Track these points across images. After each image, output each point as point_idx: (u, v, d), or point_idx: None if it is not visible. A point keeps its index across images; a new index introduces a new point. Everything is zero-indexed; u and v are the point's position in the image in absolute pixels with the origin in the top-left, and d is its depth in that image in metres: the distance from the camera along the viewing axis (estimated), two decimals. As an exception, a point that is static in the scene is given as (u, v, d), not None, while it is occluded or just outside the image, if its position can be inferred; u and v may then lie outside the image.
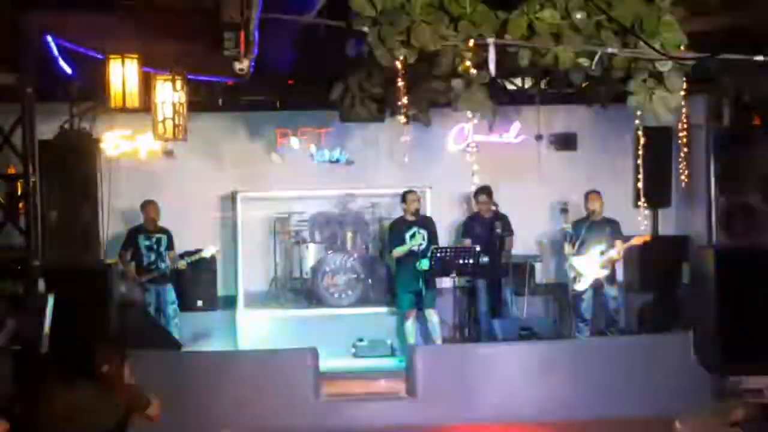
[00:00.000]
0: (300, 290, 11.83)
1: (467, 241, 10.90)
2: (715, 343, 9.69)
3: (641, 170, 10.05)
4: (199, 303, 11.54)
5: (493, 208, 10.93)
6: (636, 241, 10.61)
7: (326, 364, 9.16)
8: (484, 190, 10.86)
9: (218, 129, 11.90)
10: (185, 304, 11.23)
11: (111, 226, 10.41)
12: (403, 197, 10.83)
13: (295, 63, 10.12)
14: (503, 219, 10.92)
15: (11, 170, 8.78)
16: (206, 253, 10.94)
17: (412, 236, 10.64)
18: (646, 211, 10.57)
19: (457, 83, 8.75)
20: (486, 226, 10.83)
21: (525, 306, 11.36)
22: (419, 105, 10.11)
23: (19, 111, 7.90)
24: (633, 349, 9.29)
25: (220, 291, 11.76)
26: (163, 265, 10.74)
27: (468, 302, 10.95)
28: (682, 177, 9.90)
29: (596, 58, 8.11)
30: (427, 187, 11.67)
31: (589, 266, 10.49)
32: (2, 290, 7.76)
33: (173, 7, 7.11)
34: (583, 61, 8.21)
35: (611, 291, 10.62)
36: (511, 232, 10.98)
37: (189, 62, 8.19)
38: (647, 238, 10.75)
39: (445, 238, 11.43)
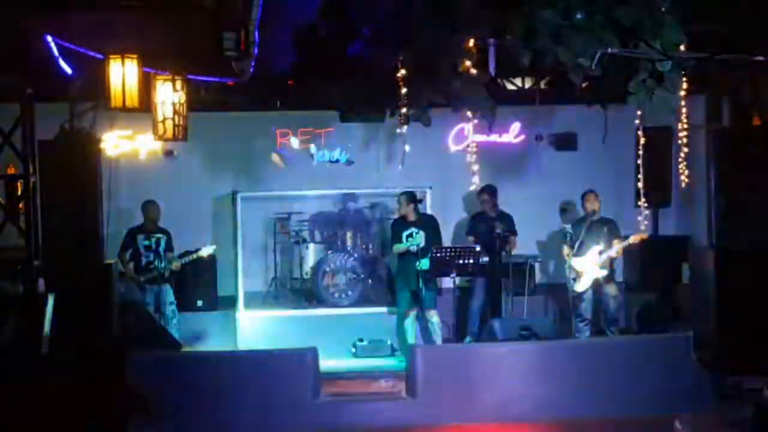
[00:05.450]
0: (300, 290, 11.83)
1: (470, 239, 10.91)
2: (715, 343, 9.70)
3: (641, 170, 10.05)
4: (199, 303, 11.54)
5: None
6: (634, 240, 10.60)
7: (326, 364, 9.15)
8: (487, 189, 10.86)
9: (218, 129, 11.89)
10: (185, 304, 11.23)
11: (111, 226, 10.42)
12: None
13: (295, 63, 10.11)
14: (505, 219, 10.92)
15: (11, 170, 8.79)
16: (204, 253, 10.93)
17: (410, 236, 10.64)
18: (646, 211, 10.57)
19: (457, 83, 8.74)
20: (490, 225, 10.85)
21: (525, 306, 11.36)
22: (419, 105, 10.11)
23: (19, 111, 7.91)
24: (633, 349, 9.28)
25: (220, 291, 11.75)
26: (161, 265, 10.73)
27: (467, 302, 10.95)
28: (682, 177, 9.91)
29: (596, 58, 8.10)
30: (427, 187, 11.67)
31: (589, 266, 10.49)
32: (2, 290, 7.77)
33: (173, 7, 7.12)
34: (583, 61, 8.20)
35: (611, 290, 10.61)
36: (513, 232, 10.98)
37: (189, 62, 8.20)
38: (645, 236, 10.74)
39: (445, 238, 11.43)
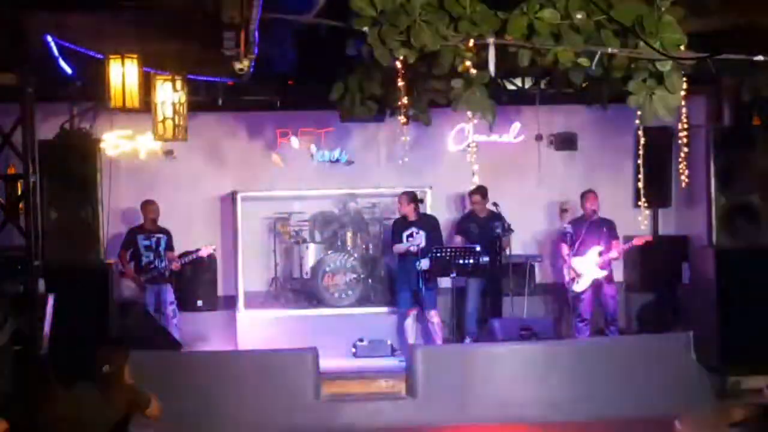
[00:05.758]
0: (300, 290, 11.82)
1: (458, 239, 10.93)
2: (715, 343, 9.70)
3: (641, 170, 10.04)
4: (199, 303, 11.54)
5: (492, 208, 10.92)
6: (637, 242, 10.61)
7: (326, 364, 9.15)
8: (478, 191, 10.85)
9: (218, 129, 11.90)
10: (185, 304, 11.23)
11: (111, 226, 10.42)
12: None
13: (295, 63, 10.11)
14: (499, 219, 10.91)
15: (11, 170, 8.79)
16: (204, 253, 10.94)
17: (410, 236, 10.65)
18: (646, 211, 10.56)
19: (457, 83, 8.73)
20: (482, 226, 10.84)
21: (525, 306, 11.35)
22: (419, 105, 10.11)
23: (19, 111, 7.90)
24: (633, 349, 9.30)
25: (220, 291, 11.77)
26: (161, 265, 10.74)
27: (463, 303, 10.95)
28: (682, 177, 9.88)
29: (596, 58, 8.09)
30: (427, 187, 11.67)
31: (588, 266, 10.49)
32: (2, 290, 7.76)
33: (173, 7, 7.10)
34: (583, 61, 8.19)
35: (610, 290, 10.62)
36: (510, 231, 10.98)
37: (189, 62, 8.20)
38: (648, 238, 10.74)
39: (445, 238, 11.42)
